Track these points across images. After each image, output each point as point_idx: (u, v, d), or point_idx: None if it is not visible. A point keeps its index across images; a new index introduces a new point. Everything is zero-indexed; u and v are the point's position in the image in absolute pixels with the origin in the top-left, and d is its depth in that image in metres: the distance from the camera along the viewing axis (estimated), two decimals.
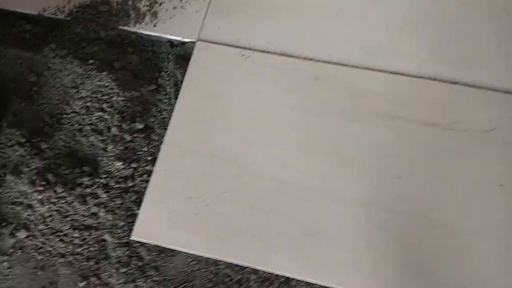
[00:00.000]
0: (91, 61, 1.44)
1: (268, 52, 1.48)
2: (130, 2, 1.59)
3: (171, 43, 1.55)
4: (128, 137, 1.38)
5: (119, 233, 1.29)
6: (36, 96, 1.45)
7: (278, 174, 1.30)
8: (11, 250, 1.33)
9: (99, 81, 1.42)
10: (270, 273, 1.23)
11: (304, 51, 1.46)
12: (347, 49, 1.44)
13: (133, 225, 1.29)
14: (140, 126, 1.40)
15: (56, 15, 1.60)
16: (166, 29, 1.55)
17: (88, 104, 1.41)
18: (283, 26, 1.50)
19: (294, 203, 1.27)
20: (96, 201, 1.32)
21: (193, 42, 1.51)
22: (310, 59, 1.46)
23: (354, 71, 1.43)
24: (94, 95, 1.42)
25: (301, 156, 1.32)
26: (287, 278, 1.22)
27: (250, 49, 1.48)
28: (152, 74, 1.50)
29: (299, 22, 1.49)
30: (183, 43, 1.54)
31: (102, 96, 1.41)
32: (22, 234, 1.33)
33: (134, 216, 1.30)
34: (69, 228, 1.33)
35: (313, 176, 1.29)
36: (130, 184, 1.34)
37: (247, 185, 1.30)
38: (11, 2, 1.63)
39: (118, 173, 1.35)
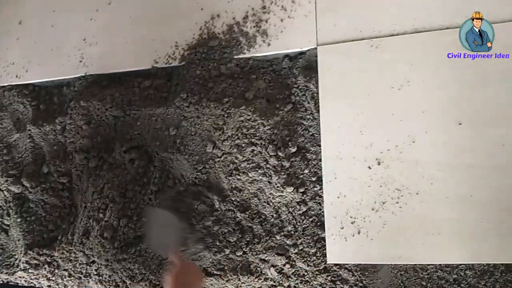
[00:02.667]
0: (225, 100, 1.43)
1: (397, 34, 1.37)
2: (236, 29, 1.55)
3: (289, 56, 1.50)
4: (287, 164, 1.35)
5: (313, 260, 1.27)
6: (183, 148, 1.47)
7: (457, 160, 1.22)
8: None
9: (240, 116, 1.40)
10: (486, 264, 1.15)
11: (437, 21, 1.34)
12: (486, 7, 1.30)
13: (324, 249, 1.27)
14: (293, 150, 1.37)
15: (170, 63, 1.60)
16: (280, 44, 1.49)
17: (237, 141, 1.40)
18: (402, 2, 1.38)
19: (488, 185, 1.18)
20: (282, 233, 1.32)
21: (314, 49, 1.44)
22: (447, 28, 1.33)
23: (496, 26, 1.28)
24: (240, 132, 1.40)
25: (474, 134, 1.22)
26: (508, 265, 1.13)
27: (376, 37, 1.39)
28: (282, 93, 1.46)
29: None
30: (302, 53, 1.48)
31: (247, 130, 1.40)
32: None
33: (321, 240, 1.28)
34: None
35: (497, 152, 1.19)
36: (304, 210, 1.32)
37: (428, 180, 1.23)
38: (122, 63, 1.67)
39: (291, 201, 1.33)
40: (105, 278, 1.44)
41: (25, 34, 1.83)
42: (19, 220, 1.58)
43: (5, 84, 1.82)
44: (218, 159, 1.42)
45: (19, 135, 1.71)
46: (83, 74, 1.70)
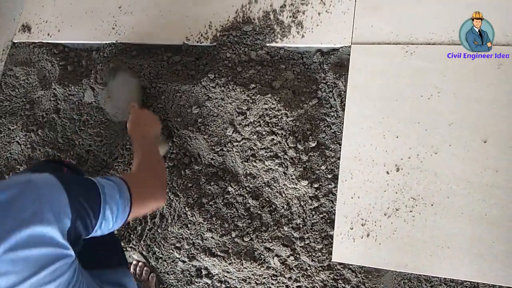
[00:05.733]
0: (252, 85, 1.43)
1: (434, 43, 1.36)
2: (271, 16, 1.55)
3: (321, 51, 1.49)
4: (305, 157, 1.35)
5: (318, 256, 1.28)
6: (203, 127, 1.48)
7: (478, 178, 1.20)
8: None
9: (264, 104, 1.40)
10: (492, 285, 1.14)
11: None
12: None
13: (330, 247, 1.27)
14: (313, 144, 1.36)
15: (201, 42, 1.60)
16: (314, 38, 1.48)
17: (258, 128, 1.40)
18: (444, 11, 1.36)
19: (505, 207, 1.17)
20: (291, 224, 1.32)
21: (347, 47, 1.43)
22: None
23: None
24: (262, 119, 1.40)
25: (497, 154, 1.20)
26: None
27: (412, 43, 1.38)
28: (309, 87, 1.46)
29: (462, 2, 1.34)
30: (334, 49, 1.47)
31: (270, 119, 1.40)
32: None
33: (329, 237, 1.28)
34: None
35: None
36: (315, 205, 1.32)
37: (445, 193, 1.22)
38: (154, 36, 1.67)
39: (304, 195, 1.33)
40: None
41: None
42: None
43: (36, 41, 1.84)
44: (237, 143, 1.42)
45: (44, 93, 1.72)
46: (114, 41, 1.71)
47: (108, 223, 0.81)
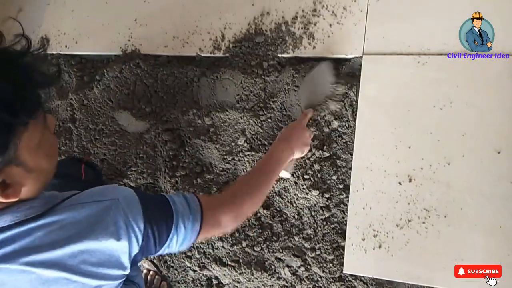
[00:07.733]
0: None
1: (446, 54, 1.35)
2: (283, 28, 1.56)
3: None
4: (316, 167, 1.35)
5: (329, 267, 1.27)
6: (215, 137, 1.49)
7: (491, 189, 1.19)
8: None
9: None
10: None
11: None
12: None
13: (342, 258, 1.26)
14: (327, 154, 1.36)
15: (214, 53, 1.63)
16: (326, 49, 1.49)
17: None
18: (455, 22, 1.36)
19: None
20: (302, 235, 1.32)
21: (359, 58, 1.44)
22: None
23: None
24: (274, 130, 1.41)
25: None
26: None
27: (424, 54, 1.37)
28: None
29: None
30: (346, 60, 1.47)
31: None
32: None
33: (340, 248, 1.28)
34: None
35: None
36: (326, 215, 1.32)
37: (458, 204, 1.20)
38: (169, 47, 1.70)
39: (315, 205, 1.33)
40: None
41: (80, 7, 1.89)
42: None
43: (54, 52, 1.89)
44: (248, 153, 1.43)
45: (60, 102, 1.76)
46: (130, 52, 1.74)
47: (170, 249, 0.80)
